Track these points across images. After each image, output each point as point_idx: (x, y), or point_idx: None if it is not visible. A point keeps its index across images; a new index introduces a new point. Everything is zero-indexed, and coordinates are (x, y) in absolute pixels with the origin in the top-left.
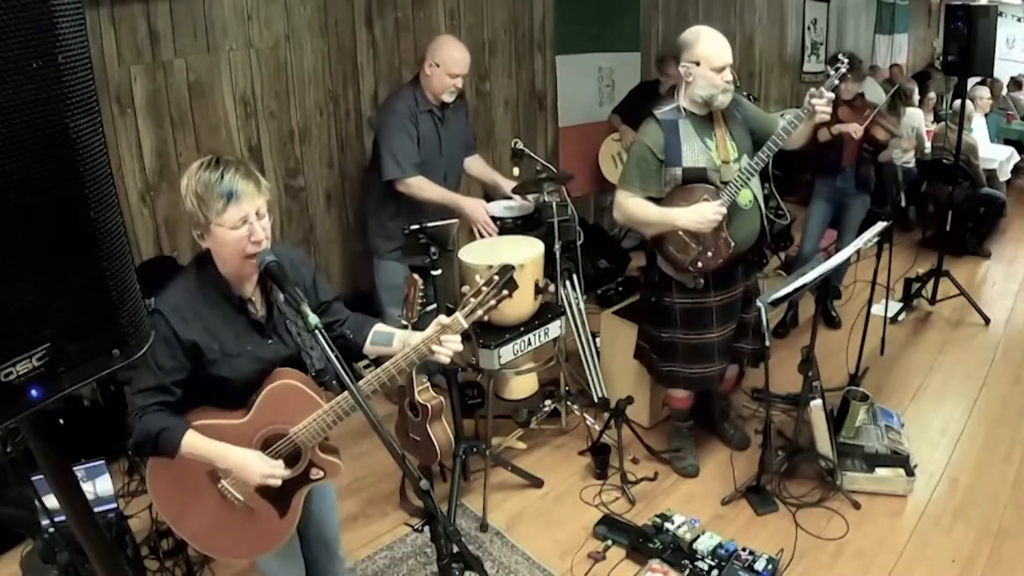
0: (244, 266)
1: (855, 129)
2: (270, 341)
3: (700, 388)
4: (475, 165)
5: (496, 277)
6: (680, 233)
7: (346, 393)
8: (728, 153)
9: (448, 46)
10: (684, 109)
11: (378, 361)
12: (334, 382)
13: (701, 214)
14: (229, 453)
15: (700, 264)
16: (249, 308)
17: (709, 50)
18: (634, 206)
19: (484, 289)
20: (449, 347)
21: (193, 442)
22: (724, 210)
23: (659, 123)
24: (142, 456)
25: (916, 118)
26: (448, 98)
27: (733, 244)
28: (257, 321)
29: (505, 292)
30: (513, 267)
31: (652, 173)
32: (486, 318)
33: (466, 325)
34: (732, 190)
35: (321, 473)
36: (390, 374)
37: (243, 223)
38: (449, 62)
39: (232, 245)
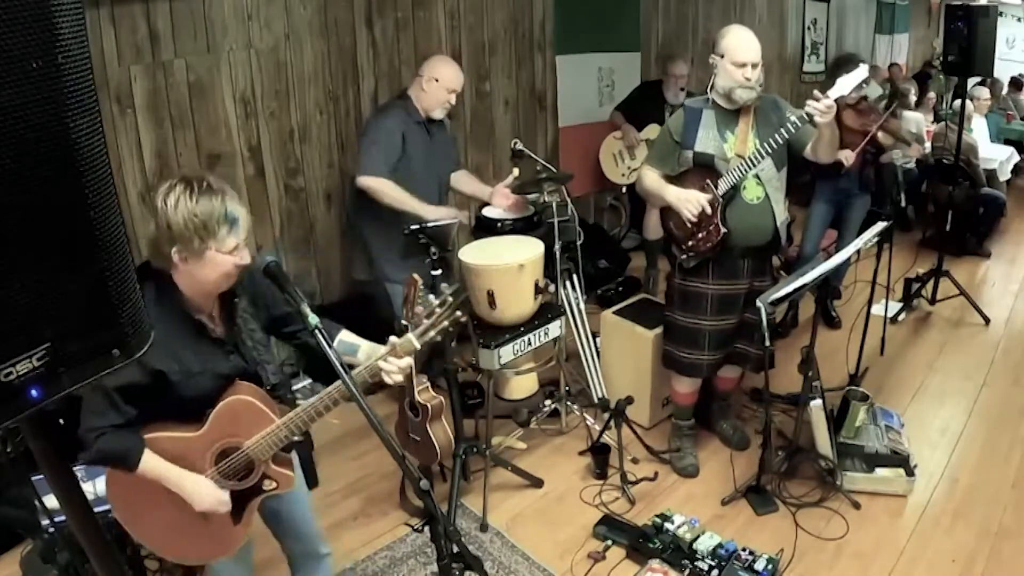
0: (222, 285)
1: (847, 156)
2: (231, 357)
3: (688, 374)
4: (463, 179)
5: (450, 298)
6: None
7: (298, 409)
8: (746, 149)
9: (446, 63)
10: (712, 100)
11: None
12: (288, 395)
13: (686, 196)
14: (182, 479)
15: (692, 243)
16: (208, 325)
17: (732, 44)
18: (646, 176)
19: (438, 310)
20: (399, 367)
21: (150, 464)
22: (706, 202)
23: (685, 110)
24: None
25: (916, 122)
26: (439, 114)
27: (724, 231)
28: (217, 338)
29: (459, 313)
30: (465, 291)
31: (668, 153)
32: (439, 338)
33: (419, 346)
34: (729, 179)
35: (274, 484)
36: (342, 392)
37: (236, 247)
38: (449, 78)
39: (222, 267)
